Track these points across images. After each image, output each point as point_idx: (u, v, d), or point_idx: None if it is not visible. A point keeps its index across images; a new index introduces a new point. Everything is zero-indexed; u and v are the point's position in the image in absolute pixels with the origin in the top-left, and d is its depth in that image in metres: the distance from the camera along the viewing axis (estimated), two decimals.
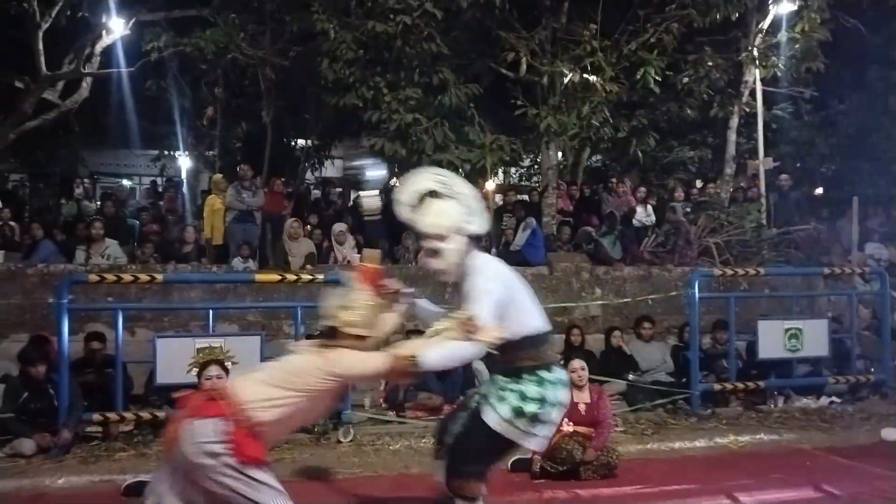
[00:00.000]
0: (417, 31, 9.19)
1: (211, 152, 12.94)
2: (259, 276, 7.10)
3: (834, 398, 7.39)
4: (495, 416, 3.09)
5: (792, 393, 7.49)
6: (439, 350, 2.87)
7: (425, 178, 3.19)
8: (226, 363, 4.85)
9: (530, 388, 3.11)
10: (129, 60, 11.35)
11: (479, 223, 3.17)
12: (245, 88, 12.24)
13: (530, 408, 3.08)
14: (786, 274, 9.17)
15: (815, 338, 7.37)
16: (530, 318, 3.17)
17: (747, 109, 11.92)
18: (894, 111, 13.18)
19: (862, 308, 8.51)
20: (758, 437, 6.20)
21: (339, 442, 5.96)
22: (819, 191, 14.06)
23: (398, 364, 2.85)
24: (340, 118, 11.48)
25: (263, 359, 6.23)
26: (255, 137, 12.62)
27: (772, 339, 7.29)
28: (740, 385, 7.23)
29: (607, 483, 4.81)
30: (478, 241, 3.24)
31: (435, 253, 3.12)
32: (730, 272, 7.90)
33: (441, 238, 3.09)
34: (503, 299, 3.04)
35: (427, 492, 4.69)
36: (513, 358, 3.12)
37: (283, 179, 10.84)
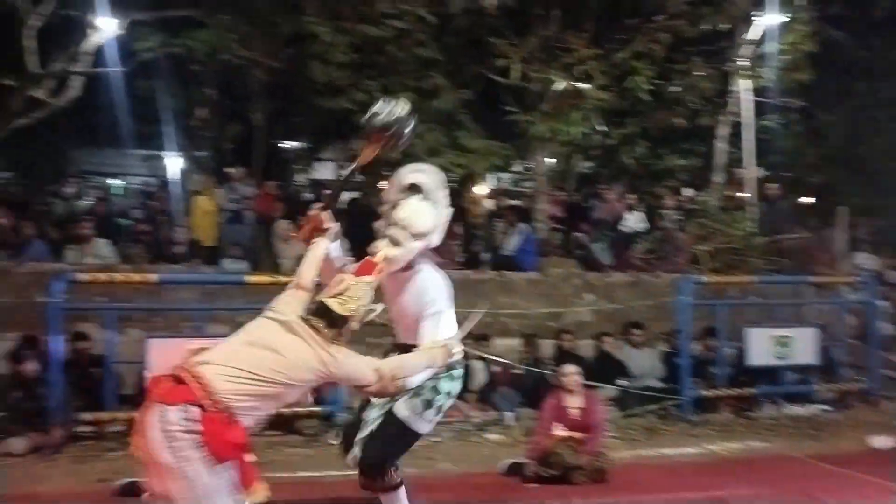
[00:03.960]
0: (410, 36, 9.21)
1: (202, 153, 12.88)
2: (250, 278, 7.08)
3: (823, 406, 7.48)
4: (406, 410, 3.30)
5: (781, 400, 7.56)
6: (416, 369, 3.15)
7: (419, 172, 3.47)
8: None
9: (443, 384, 3.34)
10: (122, 60, 11.27)
11: (439, 239, 3.42)
12: (236, 90, 12.17)
13: (440, 401, 3.34)
14: (776, 283, 9.25)
15: (803, 346, 7.47)
16: (452, 325, 3.38)
17: (735, 119, 12.03)
18: (880, 123, 13.38)
19: (849, 317, 8.62)
20: (748, 443, 6.26)
21: (331, 444, 5.95)
22: (807, 200, 14.23)
23: (389, 385, 2.98)
24: (332, 121, 11.45)
25: None
26: (246, 139, 12.57)
27: (760, 347, 7.38)
28: (731, 392, 7.29)
29: (598, 488, 4.83)
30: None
31: (397, 243, 3.23)
32: (720, 280, 7.95)
33: (416, 236, 3.25)
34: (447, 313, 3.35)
35: (428, 490, 4.71)
36: None
37: (274, 181, 10.80)
